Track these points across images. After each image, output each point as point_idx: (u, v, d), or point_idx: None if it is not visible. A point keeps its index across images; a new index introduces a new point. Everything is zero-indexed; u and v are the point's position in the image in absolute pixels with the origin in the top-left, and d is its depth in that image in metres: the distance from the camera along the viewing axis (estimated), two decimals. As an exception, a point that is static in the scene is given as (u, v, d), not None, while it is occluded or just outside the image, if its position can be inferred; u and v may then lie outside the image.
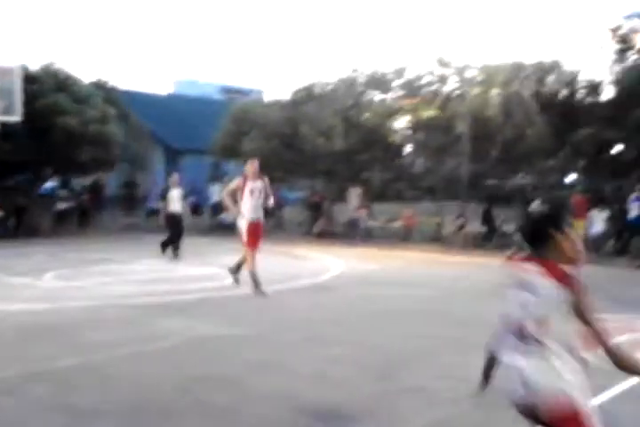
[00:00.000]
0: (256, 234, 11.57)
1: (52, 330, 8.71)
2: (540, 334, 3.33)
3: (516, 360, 3.37)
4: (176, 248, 16.35)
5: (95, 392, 6.25)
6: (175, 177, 16.90)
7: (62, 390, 6.24)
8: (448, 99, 22.99)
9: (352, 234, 22.82)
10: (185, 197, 17.35)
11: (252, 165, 11.84)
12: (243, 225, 11.56)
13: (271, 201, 11.97)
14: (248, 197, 11.51)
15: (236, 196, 11.73)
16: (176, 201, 16.53)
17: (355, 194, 24.00)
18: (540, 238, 3.45)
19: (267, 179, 11.93)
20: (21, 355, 7.49)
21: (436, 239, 21.87)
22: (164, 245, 16.35)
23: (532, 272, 3.38)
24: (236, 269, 11.93)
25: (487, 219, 21.05)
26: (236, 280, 11.88)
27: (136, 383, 6.53)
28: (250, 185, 11.60)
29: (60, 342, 8.14)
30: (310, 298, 11.40)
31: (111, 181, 29.21)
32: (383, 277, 14.31)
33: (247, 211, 11.52)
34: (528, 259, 3.45)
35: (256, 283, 11.40)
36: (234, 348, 7.91)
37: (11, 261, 15.47)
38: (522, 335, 3.37)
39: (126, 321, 9.29)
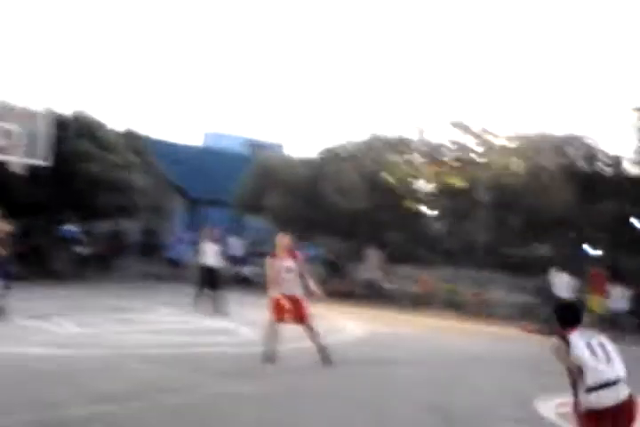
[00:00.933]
0: (281, 307, 10.63)
1: (65, 377, 8.68)
2: None
3: None
4: (211, 302, 16.27)
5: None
6: (211, 231, 17.13)
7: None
8: (470, 165, 23.15)
9: (369, 295, 22.72)
10: (222, 251, 17.37)
11: (282, 241, 11.00)
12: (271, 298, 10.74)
13: (311, 284, 10.89)
14: (281, 276, 10.67)
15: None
16: (210, 255, 16.63)
17: (373, 255, 23.99)
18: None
19: (300, 254, 11.07)
20: (34, 400, 7.46)
21: (451, 305, 21.75)
22: (199, 299, 16.36)
23: None
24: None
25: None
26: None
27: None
28: (281, 264, 10.74)
29: (73, 389, 8.10)
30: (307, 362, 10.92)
31: (131, 229, 29.40)
32: (392, 344, 14.00)
33: (279, 286, 10.65)
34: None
35: (268, 355, 10.46)
36: (243, 407, 7.85)
37: (28, 303, 15.47)
38: None
39: (140, 372, 9.25)
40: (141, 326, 13.31)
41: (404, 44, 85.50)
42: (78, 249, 23.68)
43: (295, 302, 10.62)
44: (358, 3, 76.71)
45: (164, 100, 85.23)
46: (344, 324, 16.15)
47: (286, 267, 10.68)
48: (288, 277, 10.60)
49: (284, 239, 10.98)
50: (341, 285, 23.80)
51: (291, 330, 10.72)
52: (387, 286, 23.19)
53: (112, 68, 72.71)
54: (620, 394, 5.15)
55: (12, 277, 13.77)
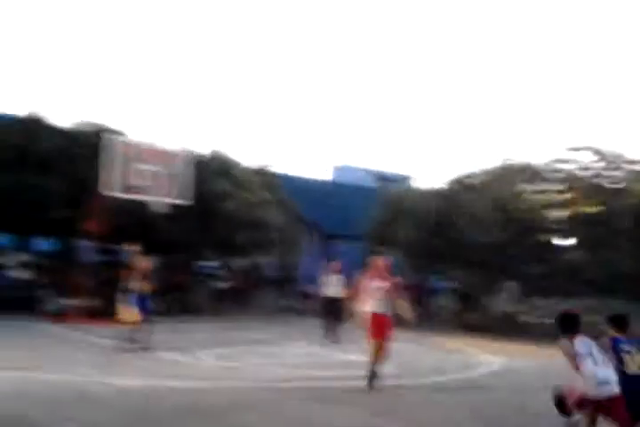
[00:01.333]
0: (379, 326, 10.89)
1: (200, 409, 8.92)
2: None
3: None
4: (332, 333, 16.61)
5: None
6: (334, 264, 17.46)
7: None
8: (606, 192, 22.34)
9: (505, 328, 22.15)
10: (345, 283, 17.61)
11: (376, 262, 11.25)
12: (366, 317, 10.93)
13: (404, 308, 11.22)
14: (369, 295, 10.87)
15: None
16: (333, 286, 16.93)
17: (509, 286, 23.45)
18: None
19: (396, 279, 11.26)
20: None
21: (598, 338, 20.78)
22: (327, 330, 16.71)
23: None
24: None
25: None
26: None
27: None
28: (371, 284, 10.96)
29: (209, 422, 8.32)
30: (455, 396, 10.89)
31: (267, 264, 30.04)
32: (538, 377, 13.62)
33: (371, 304, 10.85)
34: None
35: (371, 377, 10.75)
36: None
37: (169, 337, 16.07)
38: None
39: (275, 406, 9.39)
40: (280, 359, 13.53)
41: (528, 70, 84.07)
42: (217, 284, 24.42)
43: (382, 321, 10.86)
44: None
45: (291, 135, 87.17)
46: (483, 357, 15.83)
47: (376, 287, 10.89)
48: (376, 297, 10.82)
49: (378, 261, 11.27)
50: (475, 317, 23.34)
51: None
52: (524, 318, 22.55)
53: (240, 106, 75.14)
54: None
55: (149, 312, 14.34)
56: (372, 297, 10.89)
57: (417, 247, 24.02)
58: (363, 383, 10.99)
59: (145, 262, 14.90)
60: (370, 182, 50.38)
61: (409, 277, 27.52)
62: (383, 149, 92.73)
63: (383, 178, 52.36)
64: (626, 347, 7.51)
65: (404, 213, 24.81)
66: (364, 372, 10.94)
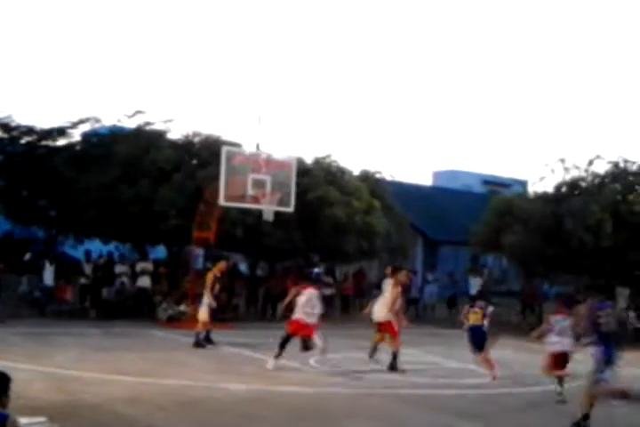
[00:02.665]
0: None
1: (314, 415, 9.12)
2: None
3: None
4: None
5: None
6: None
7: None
8: None
9: (621, 335, 21.48)
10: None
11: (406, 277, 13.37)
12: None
13: None
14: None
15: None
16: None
17: (623, 294, 22.73)
18: None
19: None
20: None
21: None
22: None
23: None
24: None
25: None
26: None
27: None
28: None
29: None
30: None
31: (373, 270, 30.14)
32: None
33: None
34: None
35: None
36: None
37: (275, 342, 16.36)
38: None
39: (388, 413, 9.49)
40: (386, 367, 13.57)
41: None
42: (324, 291, 24.65)
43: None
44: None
45: (393, 140, 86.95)
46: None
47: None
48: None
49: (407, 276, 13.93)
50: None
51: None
52: (637, 325, 21.83)
53: (344, 112, 75.53)
54: None
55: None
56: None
57: (526, 253, 23.58)
58: (473, 392, 10.96)
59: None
60: (474, 187, 49.77)
61: (518, 283, 27.14)
62: (489, 152, 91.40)
63: (492, 182, 51.62)
64: None
65: (514, 217, 24.37)
66: (473, 380, 10.88)
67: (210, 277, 16.09)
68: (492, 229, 25.13)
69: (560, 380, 10.97)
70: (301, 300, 13.34)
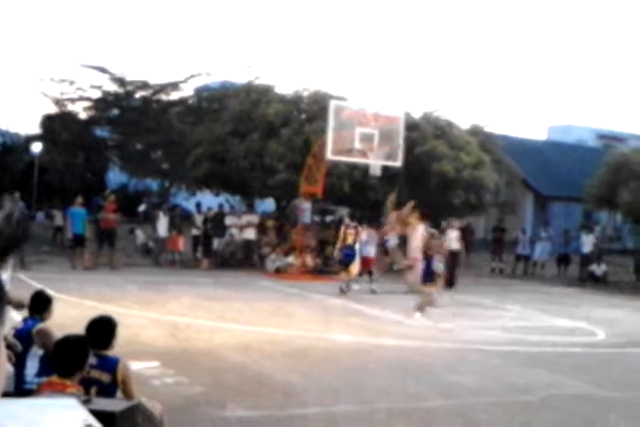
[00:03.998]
0: None
1: (417, 369, 9.19)
2: None
3: None
4: None
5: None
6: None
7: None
8: None
9: None
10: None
11: None
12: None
13: None
14: None
15: None
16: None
17: None
18: None
19: None
20: (388, 390, 8.01)
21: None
22: None
23: None
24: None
25: None
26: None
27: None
28: None
29: (425, 381, 8.55)
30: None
31: (480, 225, 29.76)
32: None
33: None
34: None
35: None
36: (600, 410, 7.67)
37: (389, 297, 16.49)
38: None
39: (491, 368, 9.46)
40: (492, 323, 13.49)
41: None
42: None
43: None
44: None
45: (507, 94, 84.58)
46: None
47: None
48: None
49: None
50: None
51: None
52: None
53: (455, 66, 73.88)
54: None
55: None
56: None
57: (642, 210, 22.72)
58: (582, 350, 10.78)
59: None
60: (590, 142, 48.08)
61: (632, 241, 26.25)
62: (604, 106, 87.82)
63: (607, 137, 49.75)
64: None
65: (630, 173, 23.45)
66: (581, 338, 10.67)
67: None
68: (606, 185, 24.29)
69: None
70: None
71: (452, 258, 19.02)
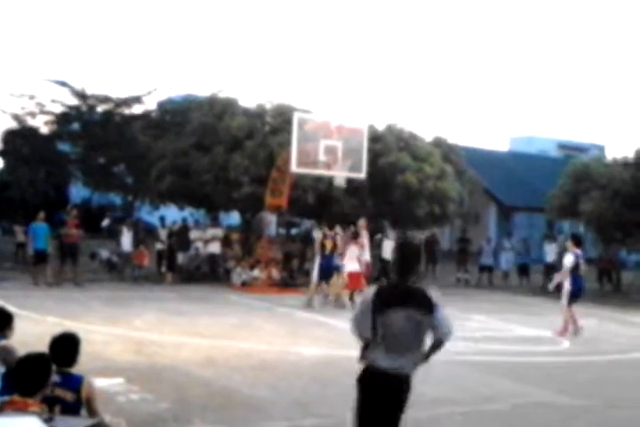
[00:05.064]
0: None
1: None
2: None
3: None
4: None
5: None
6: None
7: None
8: None
9: None
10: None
11: None
12: None
13: None
14: None
15: None
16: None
17: None
18: None
19: None
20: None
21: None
22: None
23: None
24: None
25: None
26: None
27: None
28: None
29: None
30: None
31: (445, 236, 29.95)
32: None
33: None
34: None
35: None
36: (567, 418, 7.72)
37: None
38: None
39: (457, 378, 9.50)
40: (457, 333, 13.47)
41: None
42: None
43: None
44: None
45: (467, 106, 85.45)
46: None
47: None
48: None
49: None
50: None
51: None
52: None
53: (415, 79, 74.51)
54: None
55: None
56: None
57: (605, 219, 23.04)
58: (546, 359, 10.86)
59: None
60: (551, 152, 48.73)
61: (596, 249, 26.58)
62: (565, 117, 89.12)
63: (568, 147, 50.45)
64: None
65: (592, 183, 23.79)
66: (547, 347, 10.76)
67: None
68: (568, 195, 24.64)
69: None
70: None
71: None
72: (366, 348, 4.91)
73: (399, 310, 4.84)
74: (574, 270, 13.90)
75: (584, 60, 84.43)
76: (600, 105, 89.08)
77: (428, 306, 4.91)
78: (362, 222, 17.83)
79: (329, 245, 16.94)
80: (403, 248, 5.35)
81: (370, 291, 5.13)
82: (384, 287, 5.21)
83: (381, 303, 4.86)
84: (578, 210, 23.78)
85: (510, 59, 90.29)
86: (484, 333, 13.72)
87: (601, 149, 44.91)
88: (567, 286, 14.02)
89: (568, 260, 13.94)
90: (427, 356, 5.11)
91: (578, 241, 14.37)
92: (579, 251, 14.05)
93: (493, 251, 25.59)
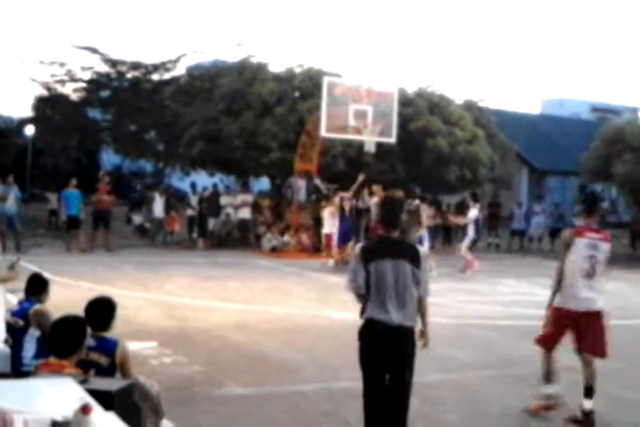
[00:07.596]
0: None
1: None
2: None
3: None
4: None
5: (460, 409, 6.55)
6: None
7: (427, 405, 6.61)
8: None
9: None
10: None
11: None
12: None
13: None
14: None
15: None
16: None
17: None
18: None
19: None
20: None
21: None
22: None
23: None
24: None
25: None
26: None
27: (500, 406, 6.70)
28: None
29: (422, 356, 8.51)
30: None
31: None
32: None
33: None
34: None
35: None
36: (599, 380, 7.71)
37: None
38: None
39: (487, 342, 9.53)
40: (489, 297, 13.56)
41: None
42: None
43: None
44: None
45: (500, 68, 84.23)
46: None
47: None
48: None
49: None
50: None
51: None
52: None
53: (450, 39, 73.48)
54: None
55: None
56: None
57: (638, 183, 22.74)
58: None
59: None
60: (584, 115, 48.01)
61: (628, 214, 26.29)
62: (600, 80, 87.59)
63: (601, 110, 49.66)
64: None
65: (626, 146, 23.43)
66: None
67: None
68: (601, 158, 24.31)
69: None
70: None
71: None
72: (365, 305, 5.01)
73: (388, 261, 5.01)
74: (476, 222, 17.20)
75: (617, 22, 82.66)
76: (633, 67, 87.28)
77: (415, 259, 5.07)
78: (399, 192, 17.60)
79: (347, 207, 17.18)
80: (387, 203, 5.57)
81: (359, 246, 5.31)
82: (372, 241, 5.68)
83: (372, 255, 5.04)
84: (611, 173, 23.48)
85: (543, 20, 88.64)
86: (513, 297, 13.71)
87: (634, 111, 44.07)
88: (471, 233, 17.24)
89: (473, 213, 17.15)
90: (423, 313, 5.30)
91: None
92: (478, 205, 17.59)
93: (525, 215, 25.38)
